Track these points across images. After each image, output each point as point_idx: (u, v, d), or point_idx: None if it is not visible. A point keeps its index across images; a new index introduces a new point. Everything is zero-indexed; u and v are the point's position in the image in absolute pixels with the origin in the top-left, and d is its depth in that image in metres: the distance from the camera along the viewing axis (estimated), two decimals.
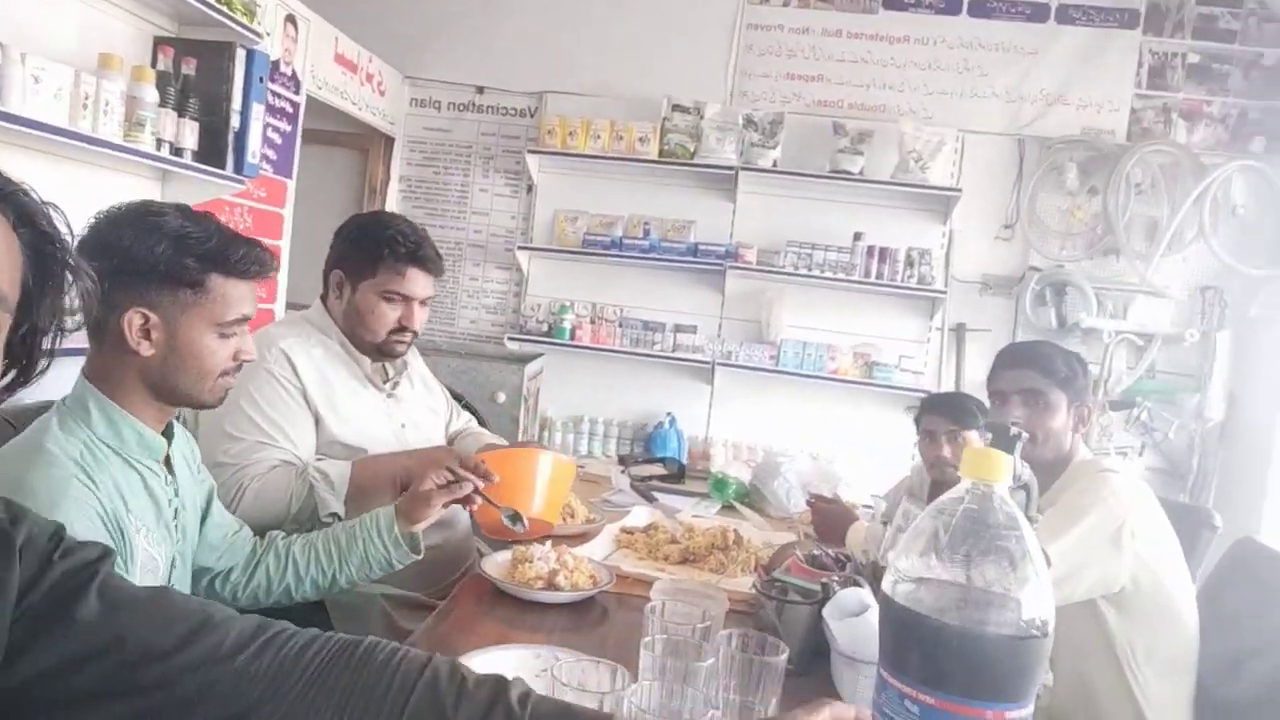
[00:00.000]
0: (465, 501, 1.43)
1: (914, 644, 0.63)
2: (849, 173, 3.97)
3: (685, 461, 3.77)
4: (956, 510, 0.67)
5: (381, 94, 4.24)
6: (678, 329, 4.19)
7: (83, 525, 1.05)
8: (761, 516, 2.17)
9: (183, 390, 1.22)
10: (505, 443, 2.02)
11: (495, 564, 1.50)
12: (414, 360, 1.91)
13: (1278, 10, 3.94)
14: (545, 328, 4.22)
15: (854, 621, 1.07)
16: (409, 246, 1.74)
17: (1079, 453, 1.66)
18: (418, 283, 1.76)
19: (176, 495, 1.27)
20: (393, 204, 4.49)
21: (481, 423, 2.80)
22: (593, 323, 4.24)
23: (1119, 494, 1.50)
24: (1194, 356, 3.95)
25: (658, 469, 2.43)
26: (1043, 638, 0.60)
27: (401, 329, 1.77)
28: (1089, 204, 4.02)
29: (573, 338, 4.18)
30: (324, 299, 1.80)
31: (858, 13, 4.15)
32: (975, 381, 4.06)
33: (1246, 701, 1.55)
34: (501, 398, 2.89)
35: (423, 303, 1.79)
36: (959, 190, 3.94)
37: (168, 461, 1.26)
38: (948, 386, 4.10)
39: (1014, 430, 0.97)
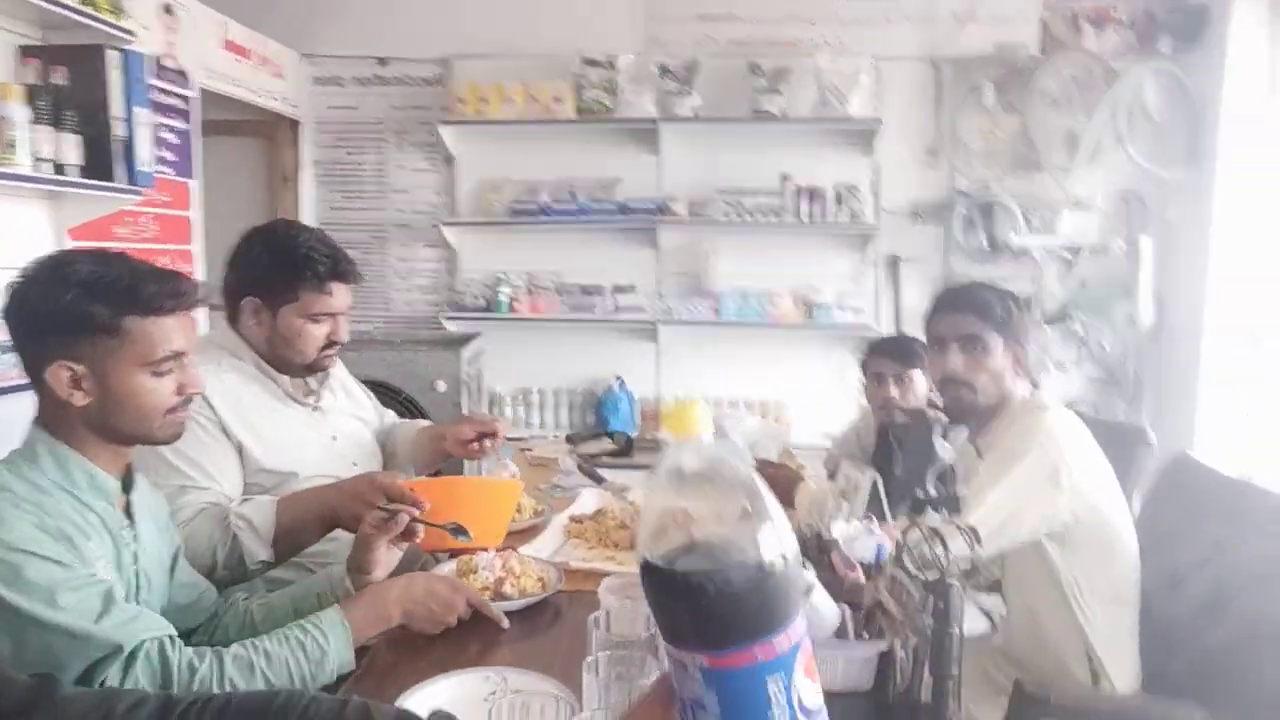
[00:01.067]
0: (407, 535, 1.39)
1: (672, 605, 0.61)
2: (770, 113, 3.92)
3: (636, 430, 3.77)
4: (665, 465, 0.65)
5: (280, 77, 4.04)
6: (616, 290, 4.14)
7: (19, 532, 1.07)
8: None
9: (128, 432, 1.22)
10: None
11: (443, 574, 1.46)
12: (334, 368, 1.85)
13: None
14: (483, 303, 4.14)
15: None
16: (327, 263, 1.67)
17: (1018, 393, 1.67)
18: (342, 297, 1.71)
19: (135, 541, 1.24)
20: (307, 190, 4.32)
21: (422, 415, 2.77)
22: (530, 292, 4.17)
23: (1053, 434, 1.52)
24: (1121, 265, 4.03)
25: (606, 444, 2.41)
26: (785, 567, 0.59)
27: (330, 344, 1.72)
28: (1008, 122, 4.03)
29: (512, 310, 4.11)
30: (231, 321, 1.72)
31: None
32: (913, 310, 4.11)
33: (1185, 617, 1.60)
34: (441, 386, 2.83)
35: (346, 313, 1.74)
36: (880, 121, 3.92)
37: (128, 509, 1.25)
38: (887, 319, 4.14)
39: (931, 415, 0.96)
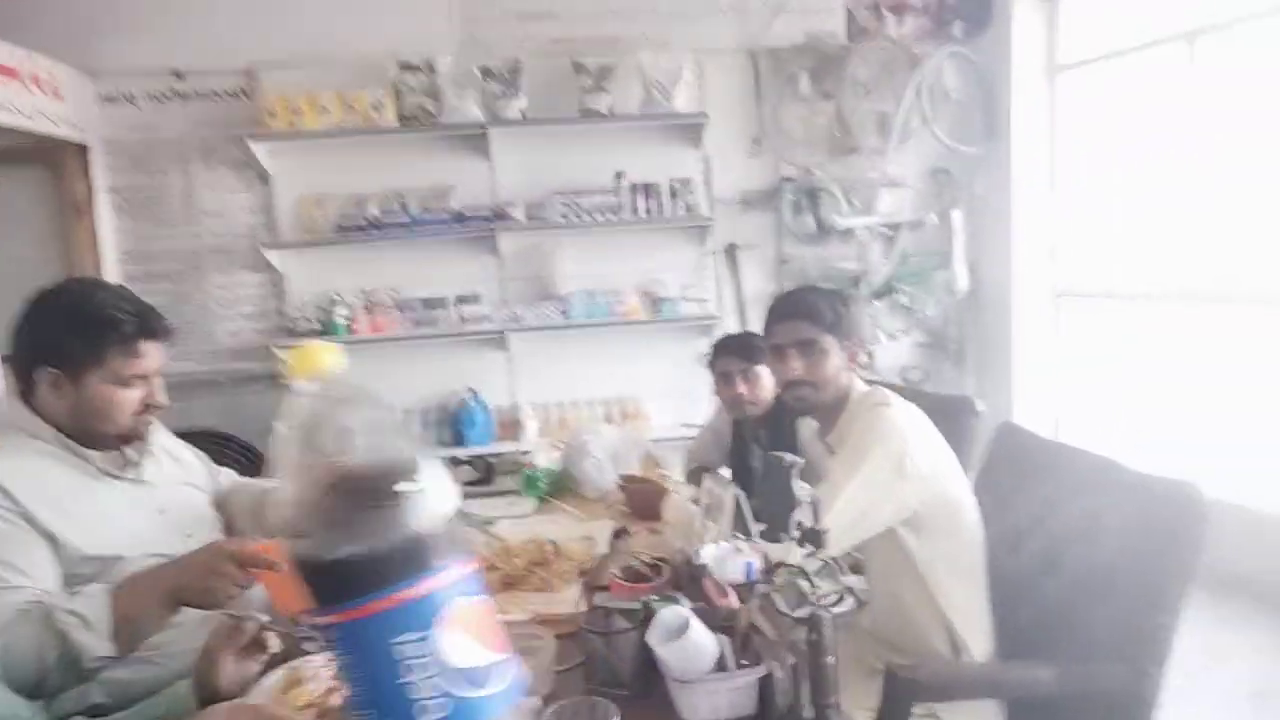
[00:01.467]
0: (259, 647, 1.26)
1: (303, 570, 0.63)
2: (598, 112, 3.91)
3: (493, 445, 3.71)
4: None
5: (59, 98, 3.64)
6: (460, 301, 4.03)
7: None
8: (578, 500, 2.15)
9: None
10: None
11: (263, 691, 1.26)
12: (153, 433, 1.67)
13: None
14: (318, 326, 3.92)
15: (678, 645, 1.07)
16: (134, 321, 1.50)
17: (856, 387, 1.75)
18: (154, 356, 1.54)
19: None
20: (105, 220, 3.94)
21: (262, 462, 2.58)
22: (369, 311, 3.99)
23: (896, 425, 1.60)
24: (937, 237, 4.31)
25: (464, 472, 2.34)
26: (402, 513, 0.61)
27: (147, 408, 1.55)
28: (825, 108, 4.21)
29: (351, 331, 3.92)
30: (24, 397, 1.53)
31: None
32: (754, 295, 4.25)
33: (1025, 576, 1.73)
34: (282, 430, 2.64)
35: (159, 373, 1.57)
36: (705, 114, 3.99)
37: None
38: (730, 306, 4.25)
39: (789, 461, 0.99)
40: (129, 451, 1.62)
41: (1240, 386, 3.43)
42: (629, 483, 2.02)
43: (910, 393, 1.87)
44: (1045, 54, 4.10)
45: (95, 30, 3.82)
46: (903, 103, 4.10)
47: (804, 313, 1.70)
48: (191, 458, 1.79)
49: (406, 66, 3.86)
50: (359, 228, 3.88)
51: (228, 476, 1.85)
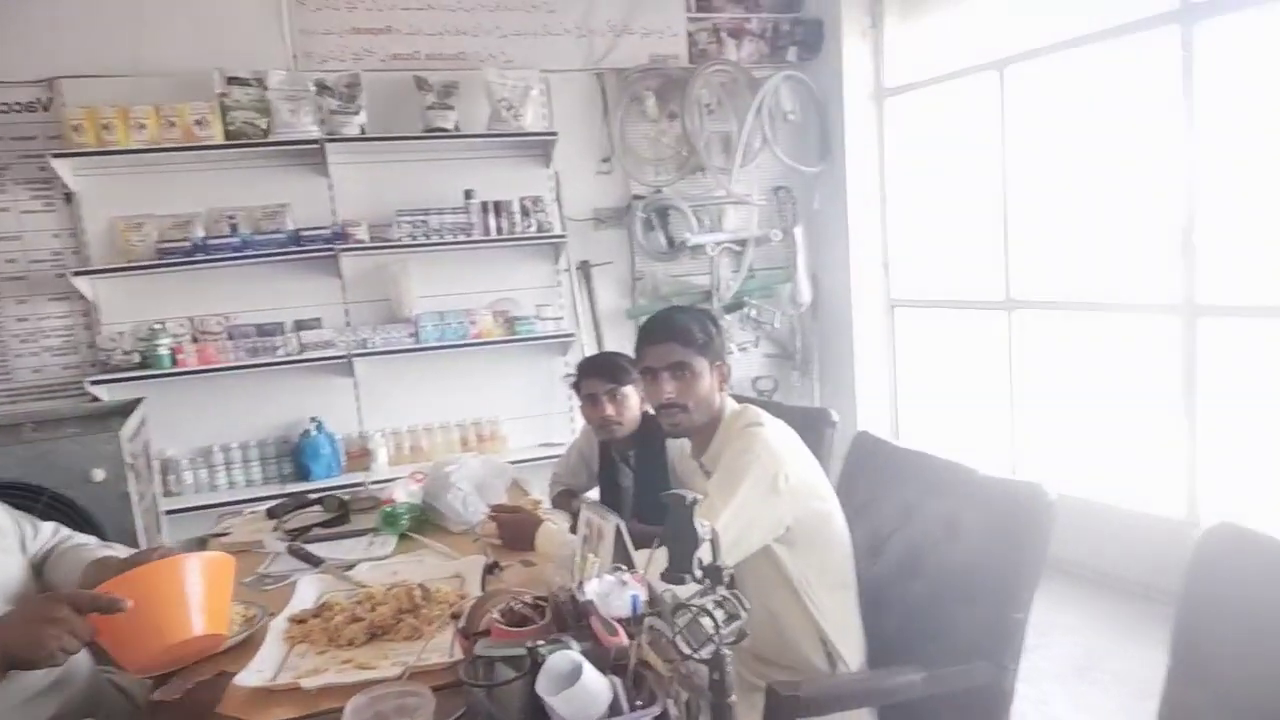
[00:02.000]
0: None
1: None
2: (444, 130, 3.80)
3: (341, 477, 3.54)
4: None
5: None
6: (300, 326, 3.79)
7: None
8: (443, 534, 2.06)
9: None
10: (120, 550, 1.64)
11: None
12: None
13: None
14: (137, 359, 3.58)
15: (570, 693, 1.02)
16: None
17: (729, 407, 1.77)
18: None
19: None
20: None
21: (84, 518, 2.31)
22: (195, 340, 3.68)
23: (769, 445, 1.63)
24: (781, 252, 4.47)
25: (316, 514, 2.18)
26: None
27: None
28: (671, 128, 4.29)
29: (176, 363, 3.60)
30: None
31: None
32: (609, 312, 4.26)
33: (889, 580, 1.80)
34: (100, 475, 2.37)
35: None
36: (555, 133, 3.97)
37: None
38: (586, 323, 4.23)
39: (690, 499, 0.97)
40: None
41: (1053, 383, 3.76)
42: (499, 513, 1.94)
43: (771, 407, 1.91)
44: (873, 79, 4.35)
45: None
46: (745, 123, 4.24)
47: (676, 335, 1.70)
48: (2, 518, 1.57)
49: (234, 80, 3.61)
50: (183, 251, 3.58)
51: (47, 534, 1.63)
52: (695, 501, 0.97)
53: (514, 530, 1.85)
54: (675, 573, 0.98)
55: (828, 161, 4.41)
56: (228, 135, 3.58)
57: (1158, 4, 3.10)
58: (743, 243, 4.40)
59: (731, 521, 1.53)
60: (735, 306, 4.42)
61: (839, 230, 4.42)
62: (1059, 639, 2.94)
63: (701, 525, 0.97)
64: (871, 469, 2.02)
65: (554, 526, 1.78)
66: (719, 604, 0.91)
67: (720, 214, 4.38)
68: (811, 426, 2.16)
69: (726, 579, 0.97)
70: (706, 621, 0.88)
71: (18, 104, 3.54)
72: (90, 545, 1.64)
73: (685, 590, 1.10)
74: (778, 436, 1.66)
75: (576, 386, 2.39)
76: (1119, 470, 3.50)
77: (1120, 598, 3.22)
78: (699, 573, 0.98)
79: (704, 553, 0.98)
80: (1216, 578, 1.20)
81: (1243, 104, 2.97)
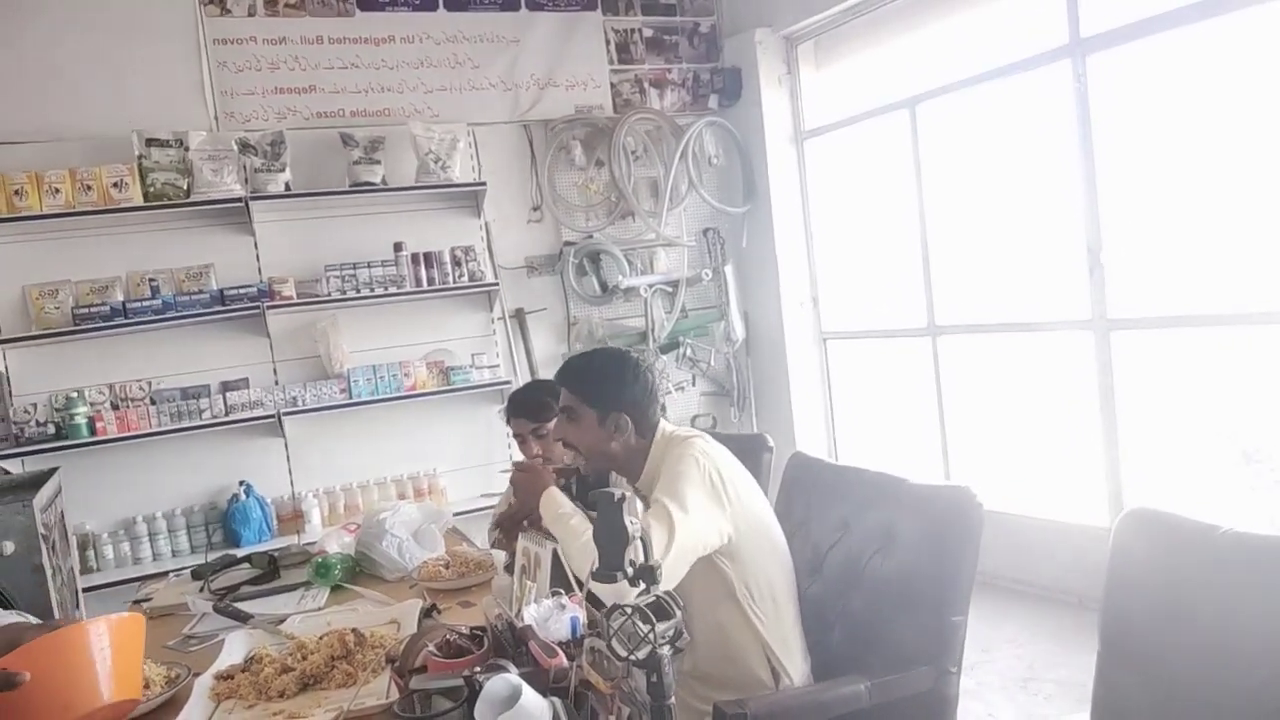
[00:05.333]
0: None
1: None
2: (371, 183, 3.80)
3: (273, 542, 3.44)
4: None
5: None
6: (226, 387, 3.70)
7: None
8: (378, 583, 2.00)
9: None
10: (30, 618, 1.55)
11: None
12: None
13: None
14: (51, 430, 3.43)
15: (509, 715, 1.00)
16: None
17: (663, 430, 1.76)
18: None
19: None
20: None
21: None
22: (116, 407, 3.55)
23: (707, 453, 1.64)
24: (712, 291, 4.55)
25: (244, 571, 2.09)
26: None
27: None
28: (599, 176, 4.36)
29: (95, 432, 3.46)
30: None
31: (333, 16, 3.93)
32: (545, 358, 4.25)
33: (831, 593, 1.81)
34: (9, 548, 2.25)
35: None
36: (483, 184, 4.00)
37: None
38: (522, 370, 4.22)
39: (618, 495, 0.97)
40: None
41: (980, 402, 3.87)
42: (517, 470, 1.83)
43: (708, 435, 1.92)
44: (792, 122, 4.50)
45: None
46: (671, 168, 4.33)
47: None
48: None
49: (154, 142, 3.56)
50: (101, 316, 3.47)
51: None
52: (624, 498, 0.97)
53: (527, 482, 1.75)
54: (606, 571, 0.98)
55: (753, 202, 4.53)
56: (147, 197, 3.51)
57: (1051, 40, 3.29)
58: (675, 284, 4.46)
59: (681, 525, 1.52)
60: (671, 346, 4.46)
61: (768, 268, 4.52)
62: (1002, 652, 2.98)
63: (631, 522, 0.97)
64: (807, 487, 2.05)
65: (561, 494, 1.70)
66: (654, 604, 0.90)
67: (651, 256, 4.45)
68: (748, 452, 2.18)
69: (660, 578, 0.96)
70: (642, 624, 0.87)
71: None
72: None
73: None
74: (712, 448, 1.67)
75: (508, 424, 2.37)
76: (1047, 483, 3.60)
77: (1058, 608, 3.29)
78: (630, 570, 0.97)
79: (634, 552, 0.97)
80: (1134, 560, 1.24)
81: (1136, 127, 3.16)
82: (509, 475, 1.85)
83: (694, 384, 4.61)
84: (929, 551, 1.59)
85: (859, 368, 4.51)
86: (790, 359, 4.52)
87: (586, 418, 1.71)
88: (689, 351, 4.49)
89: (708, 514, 1.59)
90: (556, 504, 1.65)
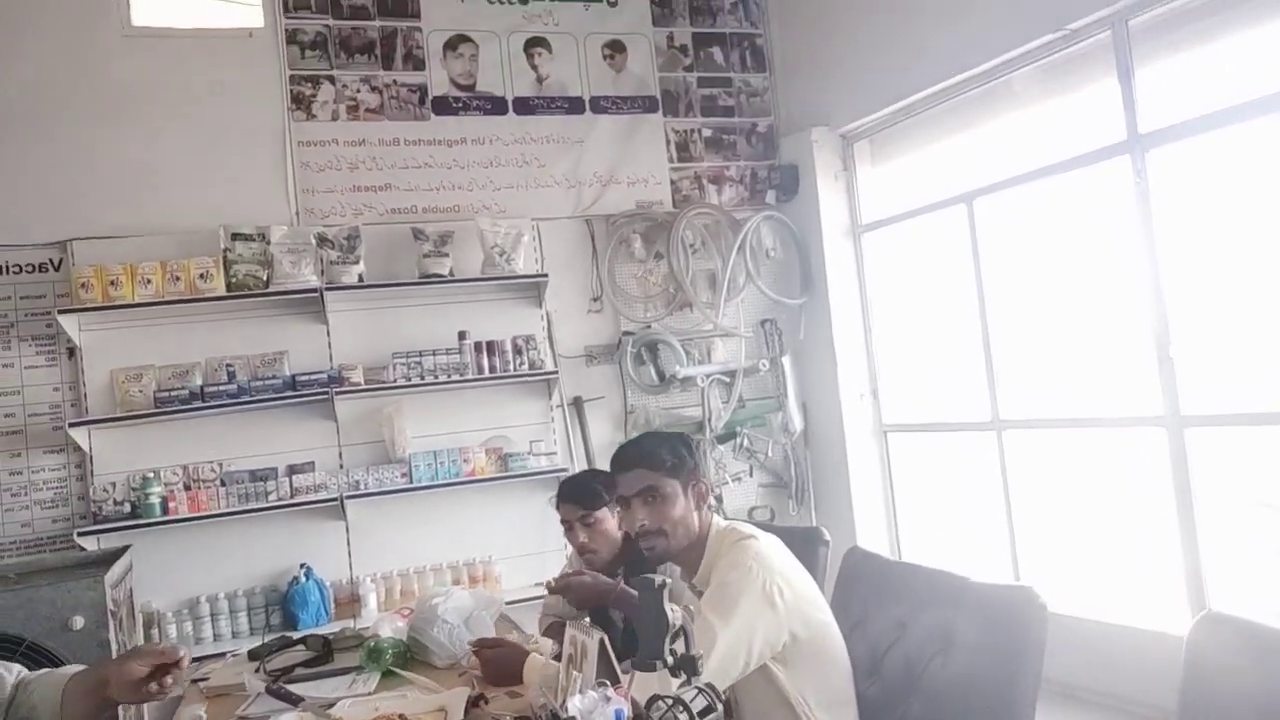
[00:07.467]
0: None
1: None
2: (439, 275, 3.95)
3: (329, 625, 3.46)
4: None
5: None
6: (292, 470, 3.80)
7: None
8: (429, 669, 2.00)
9: None
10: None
11: None
12: None
13: (758, 87, 4.76)
14: (128, 509, 3.56)
15: None
16: None
17: (714, 524, 1.76)
18: None
19: None
20: None
21: (58, 664, 2.25)
22: (188, 488, 3.68)
23: (762, 558, 1.62)
24: (770, 382, 4.54)
25: (299, 654, 2.12)
26: None
27: None
28: (658, 268, 4.46)
29: (167, 512, 3.58)
30: None
31: (410, 120, 4.18)
32: (602, 446, 4.27)
33: (889, 696, 1.74)
34: (79, 623, 2.32)
35: None
36: (545, 275, 4.12)
37: None
38: (580, 458, 4.24)
39: (659, 582, 0.97)
40: None
41: (1048, 499, 3.73)
42: (482, 649, 1.89)
43: (762, 527, 1.90)
44: (848, 216, 4.56)
45: None
46: (728, 261, 4.41)
47: (643, 460, 1.72)
48: None
49: (239, 236, 3.79)
50: (180, 399, 3.63)
51: (18, 673, 1.58)
52: (664, 585, 0.97)
53: (499, 665, 1.79)
54: (646, 659, 0.97)
55: (810, 294, 4.56)
56: (230, 287, 3.72)
57: (1109, 136, 3.30)
58: (732, 374, 4.48)
59: (732, 639, 1.50)
60: (728, 437, 4.44)
61: (826, 359, 4.51)
62: None
63: (672, 610, 0.96)
64: (864, 585, 2.00)
65: (541, 658, 1.72)
66: (697, 697, 0.89)
67: (709, 347, 4.48)
68: (804, 546, 2.14)
69: (701, 669, 0.95)
70: (683, 715, 0.86)
71: (30, 265, 3.69)
72: (64, 670, 1.61)
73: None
74: (770, 548, 1.65)
75: (558, 512, 2.38)
76: (1123, 586, 3.42)
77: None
78: (670, 659, 0.96)
79: (677, 643, 0.96)
80: (1210, 669, 1.18)
81: (1201, 219, 3.11)
82: (476, 655, 1.88)
83: (751, 475, 4.57)
84: (990, 655, 1.53)
85: (922, 461, 4.41)
86: (850, 451, 4.46)
87: (672, 491, 1.71)
88: (746, 442, 4.46)
89: (760, 623, 1.56)
90: (539, 670, 1.68)
